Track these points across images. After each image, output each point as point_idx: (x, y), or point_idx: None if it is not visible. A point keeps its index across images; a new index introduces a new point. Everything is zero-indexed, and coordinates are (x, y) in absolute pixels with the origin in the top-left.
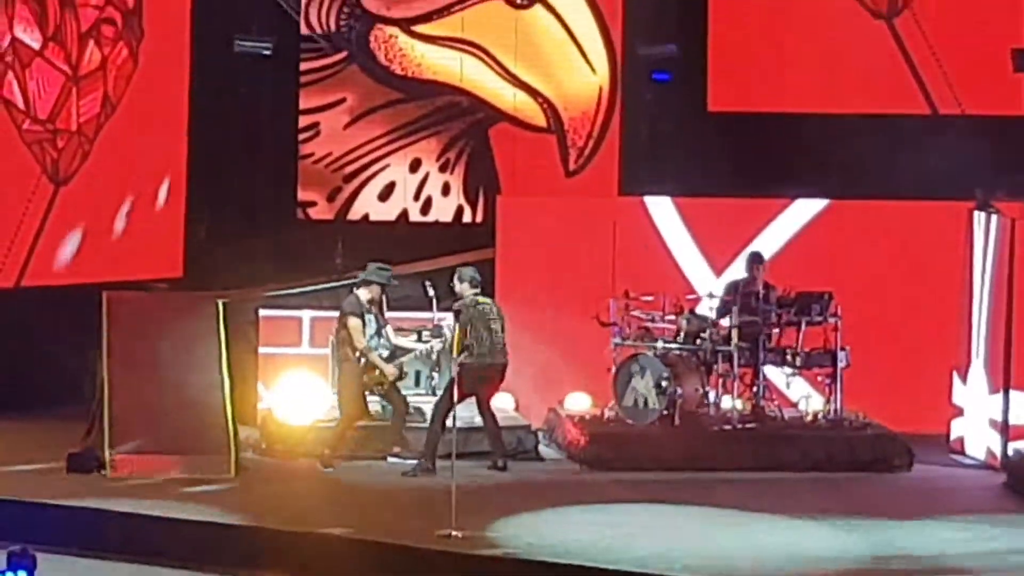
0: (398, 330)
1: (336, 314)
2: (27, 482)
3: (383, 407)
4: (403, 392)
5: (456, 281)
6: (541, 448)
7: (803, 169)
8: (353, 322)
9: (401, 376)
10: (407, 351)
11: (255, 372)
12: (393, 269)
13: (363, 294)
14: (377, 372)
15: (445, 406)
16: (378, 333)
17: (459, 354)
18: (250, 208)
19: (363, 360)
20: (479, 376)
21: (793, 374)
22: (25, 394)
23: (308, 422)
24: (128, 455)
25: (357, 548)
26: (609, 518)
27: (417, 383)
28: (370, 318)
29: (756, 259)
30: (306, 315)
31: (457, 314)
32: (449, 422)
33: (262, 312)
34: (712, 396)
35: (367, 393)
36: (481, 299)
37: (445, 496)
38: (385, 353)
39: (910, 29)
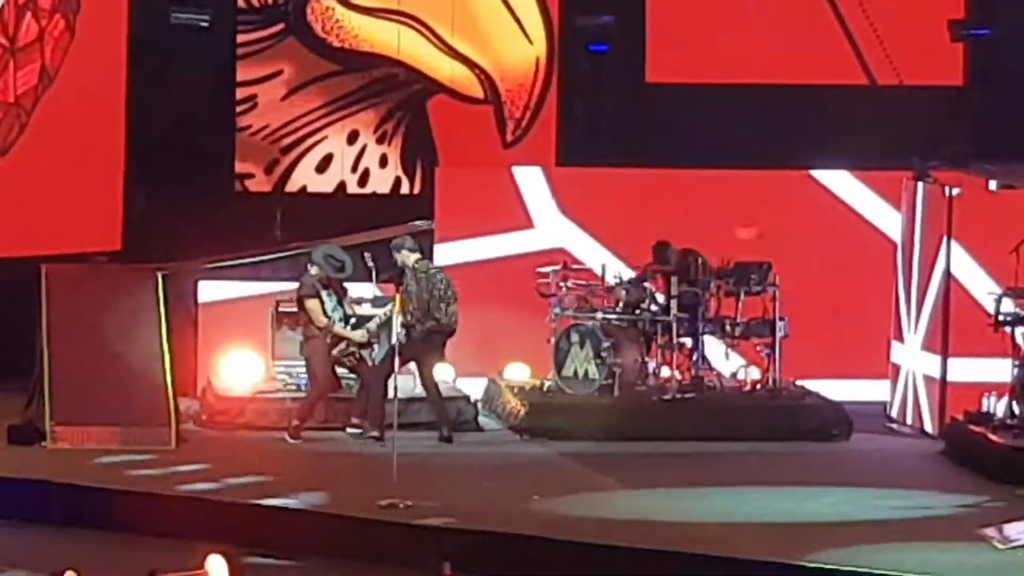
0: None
1: (274, 286)
2: None
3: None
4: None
5: (395, 252)
6: (480, 419)
7: (742, 140)
8: (310, 304)
9: (370, 341)
10: (369, 318)
11: (195, 344)
12: (334, 242)
13: (314, 271)
14: (346, 343)
15: (385, 373)
16: (339, 303)
17: (403, 320)
18: (188, 180)
19: (328, 336)
20: (424, 342)
21: (732, 344)
22: None
23: (249, 393)
24: (68, 427)
25: (298, 518)
26: (550, 486)
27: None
28: (328, 293)
29: (659, 246)
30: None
31: (401, 279)
32: (389, 393)
33: (202, 281)
34: (651, 366)
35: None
36: (426, 264)
37: (388, 466)
38: (351, 322)
39: None
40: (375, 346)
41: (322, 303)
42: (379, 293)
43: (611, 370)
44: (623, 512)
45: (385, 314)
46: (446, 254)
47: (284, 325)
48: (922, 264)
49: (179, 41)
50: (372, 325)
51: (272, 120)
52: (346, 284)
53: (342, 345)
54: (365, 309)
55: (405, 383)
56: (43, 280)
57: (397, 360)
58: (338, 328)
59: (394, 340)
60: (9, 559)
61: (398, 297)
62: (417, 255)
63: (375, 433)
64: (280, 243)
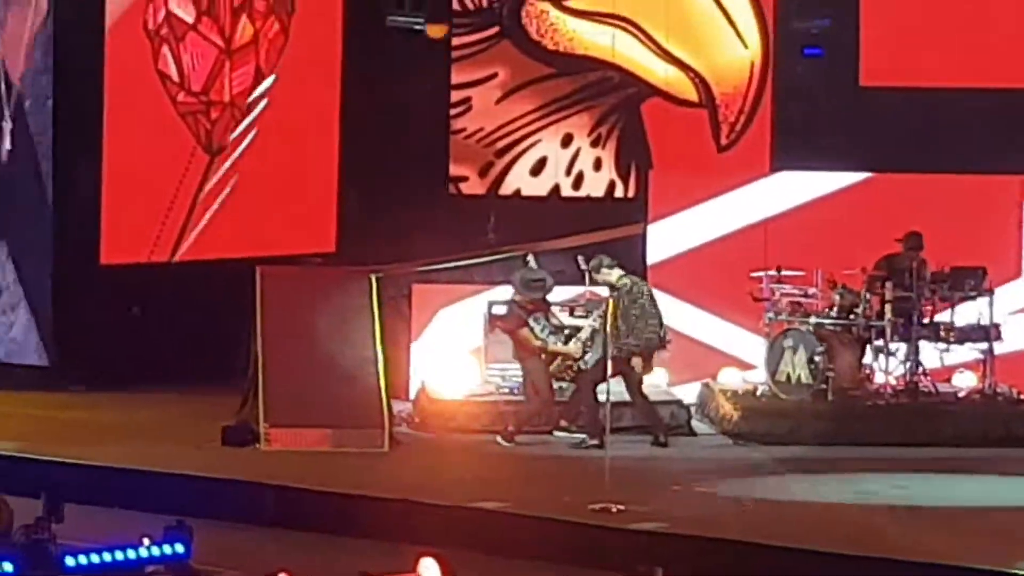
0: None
1: (487, 288)
2: (183, 455)
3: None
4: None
5: (594, 274)
6: (694, 423)
7: (957, 144)
8: (522, 334)
9: (585, 351)
10: (578, 328)
11: (408, 346)
12: (546, 245)
13: (518, 298)
14: (560, 358)
15: (596, 379)
16: (547, 320)
17: (614, 335)
18: (402, 183)
19: (544, 354)
20: (630, 357)
21: (947, 349)
22: (180, 368)
23: (462, 396)
24: (281, 428)
25: (511, 522)
26: (764, 492)
27: None
28: (535, 318)
29: (912, 236)
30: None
31: (611, 294)
32: (601, 397)
33: (415, 284)
34: (865, 372)
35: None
36: (629, 281)
37: (601, 470)
38: (566, 332)
39: None
40: (587, 353)
41: (531, 329)
42: (591, 296)
43: (825, 375)
44: (838, 519)
45: (596, 320)
46: (659, 257)
47: (497, 328)
48: None
49: (395, 44)
50: (584, 335)
51: (486, 123)
52: (550, 297)
53: (558, 360)
54: (575, 319)
55: (617, 387)
56: (258, 282)
57: (609, 367)
58: (552, 347)
59: (606, 347)
60: (222, 560)
61: (610, 302)
62: (618, 272)
63: (595, 442)
64: (494, 246)
